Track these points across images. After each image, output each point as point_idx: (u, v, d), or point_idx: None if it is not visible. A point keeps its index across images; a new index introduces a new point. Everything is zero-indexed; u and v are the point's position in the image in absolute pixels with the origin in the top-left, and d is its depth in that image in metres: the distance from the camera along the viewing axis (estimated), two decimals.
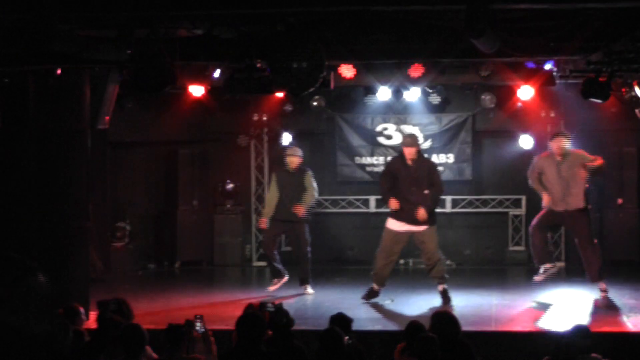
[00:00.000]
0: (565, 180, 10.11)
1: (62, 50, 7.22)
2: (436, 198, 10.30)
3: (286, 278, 10.91)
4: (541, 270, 10.35)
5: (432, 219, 10.10)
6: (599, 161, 10.08)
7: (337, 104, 13.60)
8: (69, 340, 6.00)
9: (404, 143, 10.32)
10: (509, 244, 13.77)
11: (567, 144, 10.17)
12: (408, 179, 10.04)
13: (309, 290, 10.93)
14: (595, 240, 10.31)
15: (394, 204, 9.99)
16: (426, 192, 10.02)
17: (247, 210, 14.18)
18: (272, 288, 10.89)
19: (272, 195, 11.00)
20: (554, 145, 10.19)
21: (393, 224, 10.16)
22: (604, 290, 10.12)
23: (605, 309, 9.80)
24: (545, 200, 10.25)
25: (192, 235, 13.98)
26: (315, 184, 10.97)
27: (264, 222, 10.96)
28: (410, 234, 10.17)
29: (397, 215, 10.07)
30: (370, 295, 10.25)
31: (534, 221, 10.40)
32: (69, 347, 5.96)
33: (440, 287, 10.18)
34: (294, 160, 10.91)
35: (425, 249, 10.20)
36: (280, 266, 10.96)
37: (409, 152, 10.11)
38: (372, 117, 13.81)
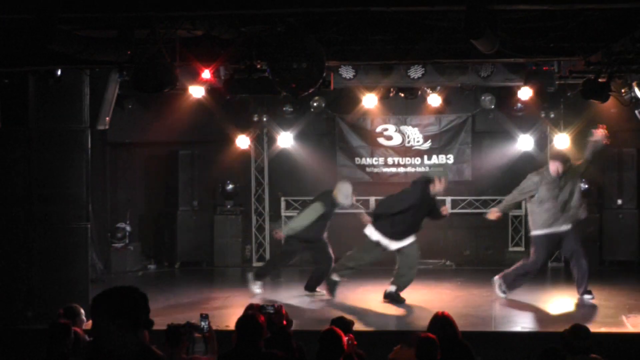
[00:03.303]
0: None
1: (62, 51, 7.21)
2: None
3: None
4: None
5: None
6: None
7: (337, 104, 13.60)
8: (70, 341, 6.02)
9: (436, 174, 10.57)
10: (508, 245, 13.77)
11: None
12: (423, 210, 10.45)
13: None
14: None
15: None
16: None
17: (247, 211, 14.19)
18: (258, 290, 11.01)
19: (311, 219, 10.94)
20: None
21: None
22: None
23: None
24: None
25: (192, 236, 13.98)
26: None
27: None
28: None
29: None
30: None
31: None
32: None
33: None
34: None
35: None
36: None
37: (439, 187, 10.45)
38: (371, 118, 13.81)
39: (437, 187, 10.31)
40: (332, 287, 10.60)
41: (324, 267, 10.81)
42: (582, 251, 10.41)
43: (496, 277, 10.60)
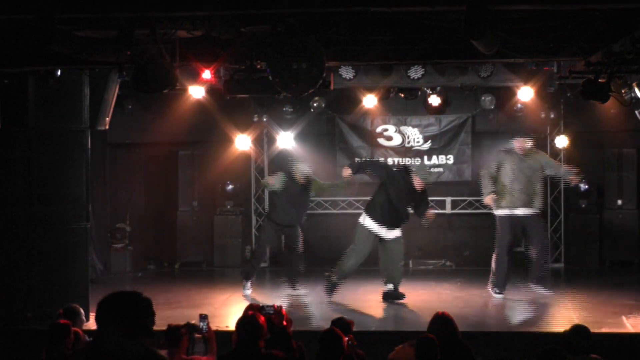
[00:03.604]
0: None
1: (62, 51, 7.21)
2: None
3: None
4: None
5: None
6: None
7: (337, 105, 13.60)
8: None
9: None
10: None
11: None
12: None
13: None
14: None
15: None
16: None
17: (247, 211, 14.19)
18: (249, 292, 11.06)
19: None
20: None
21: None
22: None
23: None
24: None
25: (191, 237, 13.99)
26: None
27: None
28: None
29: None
30: None
31: None
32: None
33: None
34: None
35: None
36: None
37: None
38: (371, 119, 13.81)
39: (415, 181, 10.40)
40: (330, 288, 10.55)
41: (293, 259, 11.07)
42: (545, 242, 10.70)
43: (489, 289, 10.70)
